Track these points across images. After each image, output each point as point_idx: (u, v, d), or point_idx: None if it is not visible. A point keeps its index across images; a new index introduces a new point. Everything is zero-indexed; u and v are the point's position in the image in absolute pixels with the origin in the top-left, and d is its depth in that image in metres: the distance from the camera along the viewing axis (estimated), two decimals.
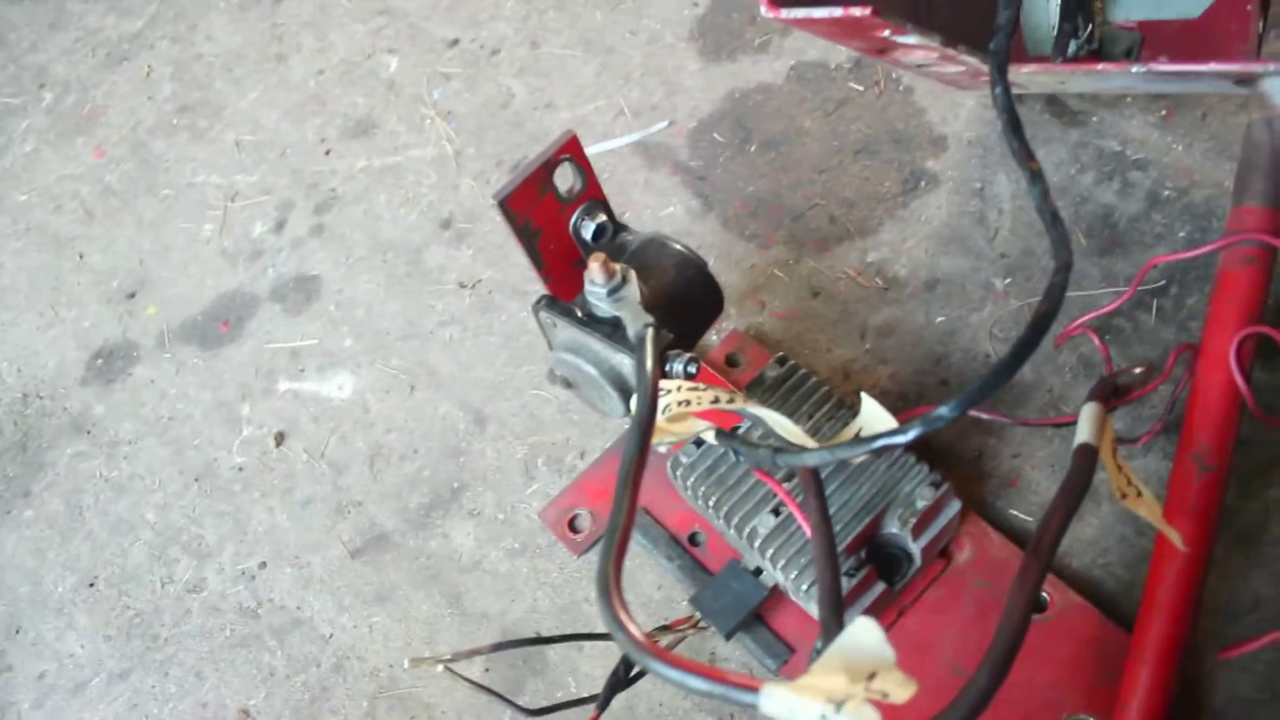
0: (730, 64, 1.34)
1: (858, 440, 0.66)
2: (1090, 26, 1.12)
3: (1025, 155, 0.76)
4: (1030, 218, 1.13)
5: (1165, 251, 1.08)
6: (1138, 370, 0.96)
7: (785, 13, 0.85)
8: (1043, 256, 1.10)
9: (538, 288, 0.90)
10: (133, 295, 1.38)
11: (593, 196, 0.90)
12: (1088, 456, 0.70)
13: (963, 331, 1.09)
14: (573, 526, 1.04)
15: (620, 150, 1.31)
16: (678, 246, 0.91)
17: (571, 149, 0.86)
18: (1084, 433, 0.71)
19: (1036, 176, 0.75)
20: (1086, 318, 1.02)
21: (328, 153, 1.44)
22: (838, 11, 0.81)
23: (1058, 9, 1.09)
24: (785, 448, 0.77)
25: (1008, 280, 1.11)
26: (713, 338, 1.13)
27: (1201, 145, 1.14)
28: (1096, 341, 1.01)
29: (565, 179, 0.88)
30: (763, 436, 0.86)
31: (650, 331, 0.79)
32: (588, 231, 0.91)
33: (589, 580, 1.02)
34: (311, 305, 1.30)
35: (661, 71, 1.36)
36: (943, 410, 0.62)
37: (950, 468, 0.98)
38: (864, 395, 0.81)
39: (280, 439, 1.20)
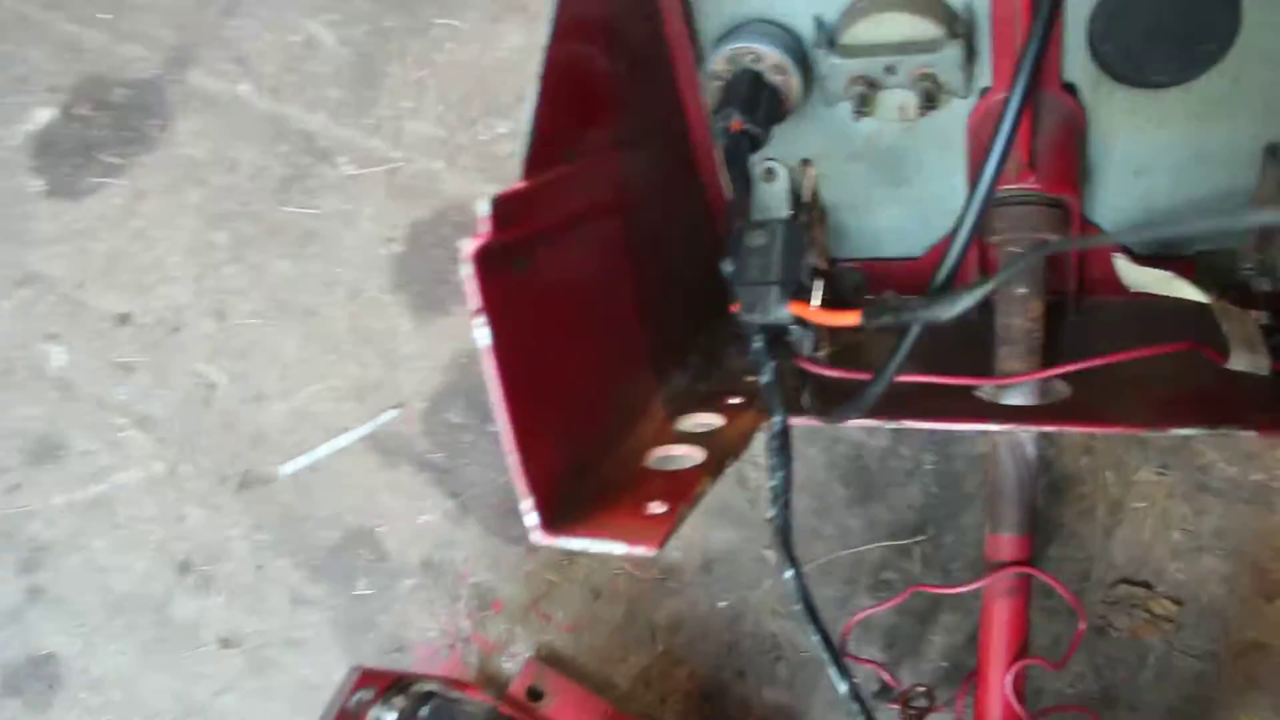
0: (445, 318, 1.24)
1: None
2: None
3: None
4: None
5: (917, 488, 1.12)
6: (921, 689, 1.00)
7: (561, 541, 0.77)
8: (806, 512, 1.12)
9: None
10: None
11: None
12: None
13: (746, 614, 1.10)
14: None
15: (353, 448, 1.21)
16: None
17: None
18: None
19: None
20: (858, 618, 1.02)
21: (16, 488, 1.27)
22: (621, 549, 0.74)
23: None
24: None
25: None
26: (508, 665, 1.10)
27: None
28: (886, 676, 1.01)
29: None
30: None
31: None
32: None
33: None
34: (57, 694, 1.18)
35: (372, 336, 1.25)
36: None
37: None
38: None
39: None
